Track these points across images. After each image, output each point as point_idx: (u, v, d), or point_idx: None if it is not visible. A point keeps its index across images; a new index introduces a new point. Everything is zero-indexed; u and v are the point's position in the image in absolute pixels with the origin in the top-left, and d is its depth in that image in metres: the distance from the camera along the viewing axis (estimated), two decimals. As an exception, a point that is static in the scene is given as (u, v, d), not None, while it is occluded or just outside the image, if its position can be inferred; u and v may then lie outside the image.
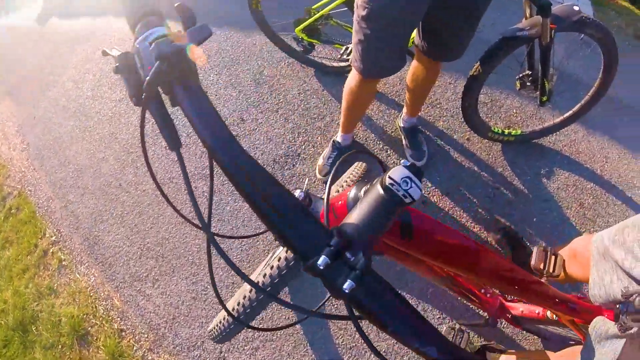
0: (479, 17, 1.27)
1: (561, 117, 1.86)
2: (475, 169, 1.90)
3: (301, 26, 1.92)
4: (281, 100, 2.21)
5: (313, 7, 1.88)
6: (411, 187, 0.44)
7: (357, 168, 1.54)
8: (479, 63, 1.52)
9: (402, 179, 0.44)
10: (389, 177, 0.44)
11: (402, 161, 0.47)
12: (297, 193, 0.67)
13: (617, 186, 1.88)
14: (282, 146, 2.05)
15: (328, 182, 0.55)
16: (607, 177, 1.90)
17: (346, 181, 1.40)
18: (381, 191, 0.44)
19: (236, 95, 2.28)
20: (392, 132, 2.01)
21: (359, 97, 1.51)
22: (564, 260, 0.95)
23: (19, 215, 2.31)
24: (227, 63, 2.42)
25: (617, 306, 0.62)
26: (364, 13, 1.14)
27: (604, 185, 1.88)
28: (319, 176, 1.92)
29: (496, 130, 1.83)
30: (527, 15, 1.44)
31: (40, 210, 2.27)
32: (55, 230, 2.17)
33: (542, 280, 0.95)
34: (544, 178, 1.89)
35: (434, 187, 1.87)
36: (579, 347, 0.83)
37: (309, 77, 2.25)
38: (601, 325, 0.72)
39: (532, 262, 0.97)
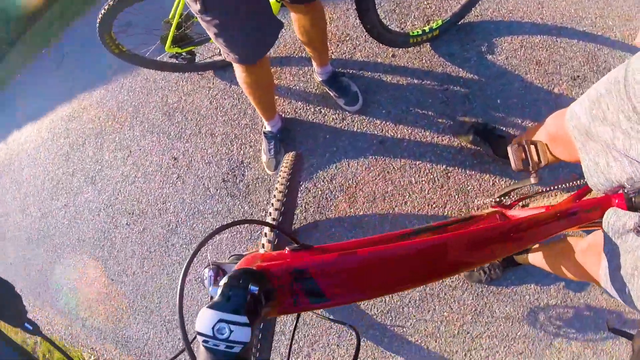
0: None
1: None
2: (415, 81, 1.73)
3: (168, 42, 1.71)
4: (198, 119, 2.02)
5: (169, 17, 1.66)
6: (232, 332, 0.31)
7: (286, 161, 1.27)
8: None
9: (214, 328, 0.31)
10: (197, 333, 0.32)
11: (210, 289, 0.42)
12: (207, 273, 0.54)
13: (565, 26, 1.71)
14: (223, 162, 1.89)
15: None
16: (551, 22, 1.73)
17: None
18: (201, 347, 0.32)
19: (157, 139, 2.10)
20: (315, 90, 1.83)
21: (256, 84, 1.35)
22: (546, 145, 0.84)
23: (54, 356, 2.28)
24: (132, 112, 2.21)
25: (625, 191, 0.56)
26: (197, 7, 0.99)
27: (551, 32, 1.71)
28: (270, 172, 1.77)
29: (416, 32, 1.64)
30: None
31: (66, 340, 2.21)
32: (90, 350, 2.13)
33: (533, 176, 0.82)
34: (488, 55, 1.73)
35: (383, 122, 1.70)
36: (600, 235, 0.71)
37: (211, 81, 2.05)
38: (615, 219, 0.63)
39: (513, 165, 0.86)
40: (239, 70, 1.27)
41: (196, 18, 1.68)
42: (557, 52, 1.68)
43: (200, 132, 1.99)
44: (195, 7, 1.00)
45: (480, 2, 1.74)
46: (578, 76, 1.64)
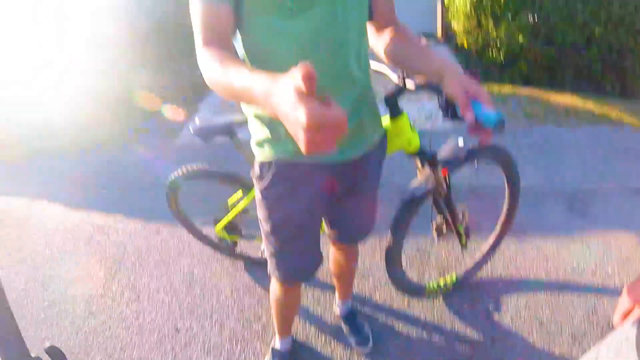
0: (374, 194, 1.31)
1: (487, 246, 1.90)
2: (425, 336, 1.82)
3: (220, 225, 1.94)
4: (214, 303, 2.10)
5: (229, 202, 1.92)
6: None
7: None
8: (390, 233, 1.56)
9: None
10: None
11: None
12: None
13: (568, 279, 1.89)
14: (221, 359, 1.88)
15: None
16: (554, 278, 1.91)
17: None
18: None
19: (169, 301, 2.14)
20: (331, 320, 1.93)
21: (286, 302, 1.48)
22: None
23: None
24: (158, 262, 2.34)
25: None
26: (267, 228, 1.16)
27: (555, 288, 1.88)
28: None
29: (432, 286, 1.83)
30: (419, 166, 1.46)
31: None
32: None
33: None
34: (495, 314, 1.85)
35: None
36: None
37: (239, 273, 2.21)
38: None
39: None
40: (277, 287, 1.38)
41: (250, 214, 1.92)
42: (560, 310, 1.80)
43: (211, 318, 2.03)
44: (265, 228, 1.16)
45: (490, 259, 1.95)
46: (578, 334, 1.72)
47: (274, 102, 0.49)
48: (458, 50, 5.15)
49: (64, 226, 2.75)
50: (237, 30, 0.88)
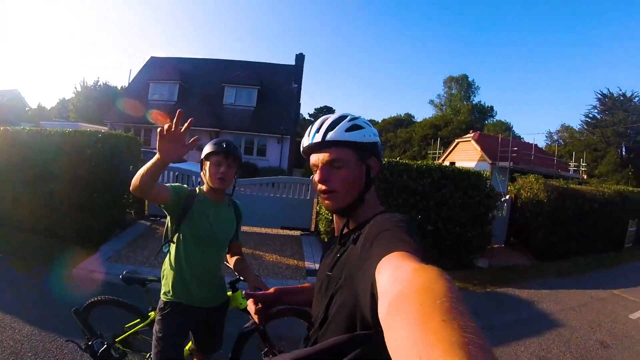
0: (221, 328, 2.27)
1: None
2: None
3: (119, 339, 2.66)
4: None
5: (126, 325, 2.66)
6: None
7: None
8: (231, 353, 2.61)
9: None
10: None
11: None
12: None
13: None
14: None
15: None
16: None
17: None
18: None
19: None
20: None
21: None
22: None
23: None
24: None
25: None
26: (158, 336, 2.01)
27: None
28: None
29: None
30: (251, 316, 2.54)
31: None
32: None
33: None
34: None
35: None
36: None
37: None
38: None
39: None
40: None
41: (140, 336, 2.81)
42: None
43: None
44: (156, 335, 2.00)
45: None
46: None
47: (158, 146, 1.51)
48: (321, 239, 7.13)
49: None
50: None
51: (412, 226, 0.85)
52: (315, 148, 1.05)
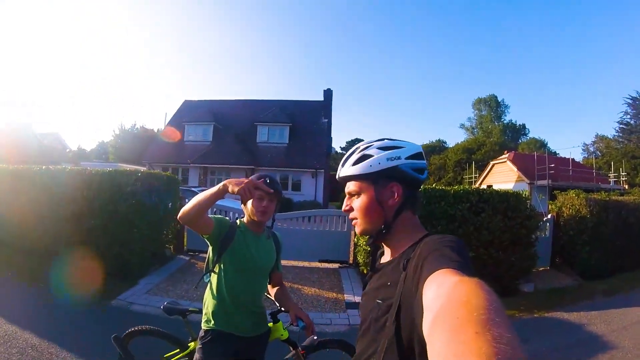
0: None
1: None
2: None
3: None
4: None
5: (165, 355, 2.69)
6: None
7: None
8: None
9: None
10: None
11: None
12: None
13: None
14: None
15: None
16: None
17: None
18: None
19: None
20: None
21: None
22: None
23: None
24: None
25: None
26: None
27: None
28: None
29: None
30: (290, 349, 2.42)
31: None
32: None
33: None
34: None
35: None
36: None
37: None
38: None
39: None
40: None
41: None
42: None
43: None
44: None
45: None
46: None
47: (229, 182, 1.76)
48: (359, 271, 7.12)
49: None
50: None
51: (461, 245, 0.86)
52: (340, 182, 1.15)
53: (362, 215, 1.09)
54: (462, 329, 0.49)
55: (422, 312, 0.69)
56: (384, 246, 1.13)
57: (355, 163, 1.09)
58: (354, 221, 1.12)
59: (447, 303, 0.58)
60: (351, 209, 1.12)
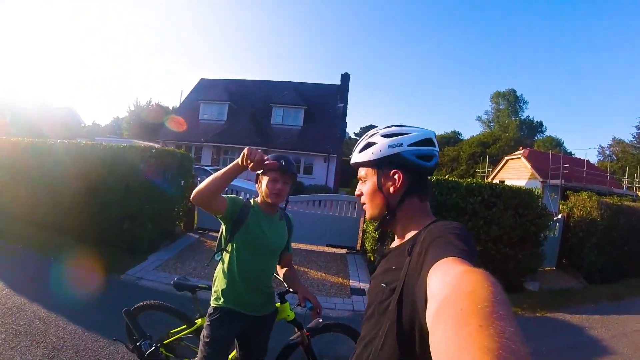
0: (267, 337, 2.32)
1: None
2: None
3: (163, 342, 2.75)
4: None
5: (172, 331, 2.76)
6: None
7: None
8: None
9: None
10: None
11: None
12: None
13: None
14: None
15: None
16: None
17: None
18: None
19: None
20: None
21: None
22: None
23: None
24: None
25: None
26: (206, 340, 2.09)
27: None
28: None
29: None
30: (295, 330, 2.47)
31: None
32: None
33: None
34: None
35: None
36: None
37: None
38: None
39: None
40: None
41: (183, 342, 2.79)
42: None
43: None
44: (204, 340, 2.09)
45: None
46: None
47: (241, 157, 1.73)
48: (367, 258, 7.21)
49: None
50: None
51: (467, 234, 0.87)
52: (354, 167, 1.21)
53: (368, 200, 1.15)
54: (465, 321, 0.49)
55: (425, 298, 0.71)
56: (394, 232, 1.16)
57: (362, 150, 1.15)
58: (364, 206, 1.18)
59: (452, 293, 0.58)
60: (361, 194, 1.18)
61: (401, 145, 1.07)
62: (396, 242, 1.12)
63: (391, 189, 1.08)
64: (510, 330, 0.46)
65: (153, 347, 2.75)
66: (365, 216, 1.21)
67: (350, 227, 8.10)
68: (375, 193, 1.11)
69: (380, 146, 1.09)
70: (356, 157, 1.17)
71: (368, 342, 1.02)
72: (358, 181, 1.21)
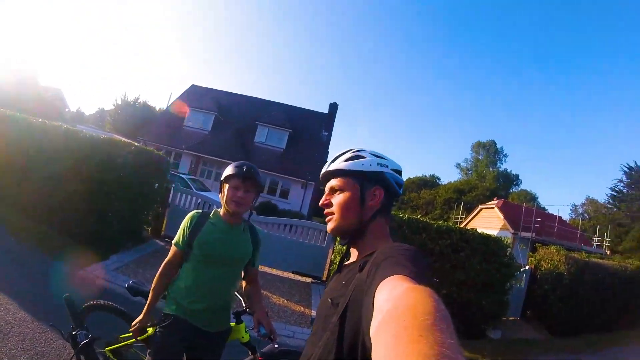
0: (218, 355, 2.18)
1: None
2: None
3: (110, 347, 2.62)
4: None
5: (121, 336, 2.59)
6: None
7: None
8: None
9: None
10: None
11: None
12: None
13: None
14: None
15: None
16: None
17: None
18: None
19: None
20: None
21: None
22: None
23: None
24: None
25: None
26: (155, 348, 2.02)
27: None
28: None
29: None
30: (249, 353, 2.33)
31: None
32: None
33: None
34: None
35: None
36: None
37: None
38: None
39: None
40: None
41: (133, 349, 2.67)
42: None
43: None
44: (153, 348, 2.01)
45: None
46: None
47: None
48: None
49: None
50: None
51: (419, 255, 0.89)
52: (324, 177, 1.20)
53: (340, 211, 1.12)
54: (406, 331, 0.51)
55: (372, 314, 0.71)
56: (352, 250, 1.16)
57: (349, 159, 1.14)
58: (329, 217, 1.15)
59: (396, 307, 0.59)
60: (329, 204, 1.15)
61: (387, 167, 1.12)
62: (353, 258, 1.13)
63: (370, 203, 1.10)
64: (449, 342, 0.47)
65: (88, 339, 2.58)
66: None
67: (319, 256, 7.95)
68: (350, 205, 1.10)
69: (371, 161, 1.12)
70: (341, 164, 1.14)
71: (310, 355, 1.00)
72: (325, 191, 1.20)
